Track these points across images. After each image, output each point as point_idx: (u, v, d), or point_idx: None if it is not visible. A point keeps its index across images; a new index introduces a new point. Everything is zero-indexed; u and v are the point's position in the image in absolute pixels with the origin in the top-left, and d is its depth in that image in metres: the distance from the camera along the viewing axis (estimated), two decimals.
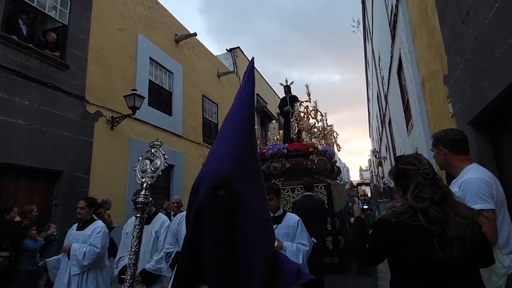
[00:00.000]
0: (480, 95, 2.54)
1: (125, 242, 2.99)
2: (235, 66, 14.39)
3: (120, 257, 2.99)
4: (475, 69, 2.58)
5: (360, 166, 69.02)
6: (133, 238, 1.19)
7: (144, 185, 1.26)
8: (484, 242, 1.25)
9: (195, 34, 10.39)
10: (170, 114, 9.23)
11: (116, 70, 7.42)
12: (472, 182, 1.60)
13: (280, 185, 4.95)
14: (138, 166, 1.34)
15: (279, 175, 5.14)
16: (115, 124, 7.04)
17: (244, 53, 15.32)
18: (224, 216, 0.86)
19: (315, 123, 5.72)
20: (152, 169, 1.29)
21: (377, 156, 20.11)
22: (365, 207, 2.01)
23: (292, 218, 2.60)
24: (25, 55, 5.41)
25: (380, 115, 15.70)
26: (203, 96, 11.29)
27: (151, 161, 1.31)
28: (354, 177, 77.52)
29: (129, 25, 8.10)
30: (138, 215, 1.22)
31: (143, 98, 7.08)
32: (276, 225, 2.44)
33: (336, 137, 7.47)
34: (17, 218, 4.38)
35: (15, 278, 4.15)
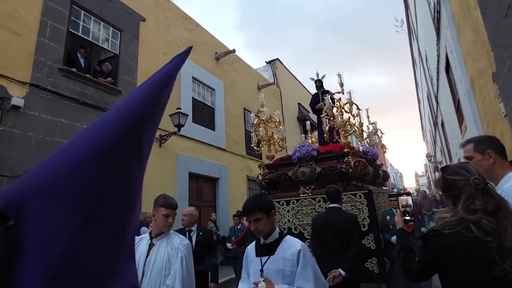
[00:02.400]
0: None
1: None
2: (275, 78, 14.55)
3: None
4: None
5: (416, 172, 64.73)
6: None
7: None
8: None
9: (234, 51, 10.76)
10: (213, 129, 9.59)
11: None
12: None
13: (310, 194, 4.23)
14: None
15: (308, 182, 4.31)
16: (163, 141, 7.50)
17: (284, 64, 15.45)
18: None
19: (349, 118, 4.66)
20: None
21: (432, 161, 18.75)
22: (407, 218, 1.93)
23: (291, 246, 1.77)
24: (83, 84, 6.06)
25: (432, 116, 14.74)
26: (245, 109, 11.57)
27: None
28: (409, 183, 72.92)
29: (173, 48, 8.66)
30: None
31: (187, 115, 7.48)
32: (267, 257, 1.78)
33: (381, 136, 6.59)
34: None
35: None
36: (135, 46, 7.42)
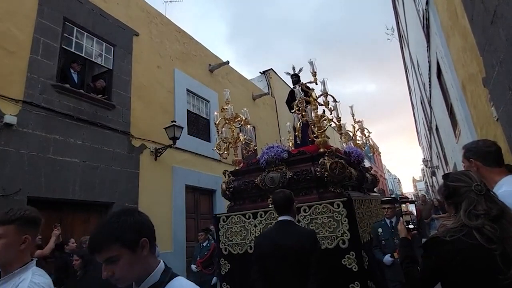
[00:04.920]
0: None
1: None
2: (269, 88, 14.65)
3: None
4: (511, 70, 2.40)
5: (413, 177, 64.84)
6: None
7: None
8: None
9: (227, 62, 10.84)
10: (209, 141, 9.57)
11: (157, 104, 7.95)
12: (508, 196, 1.47)
13: None
14: None
15: (278, 189, 3.39)
16: (158, 155, 7.47)
17: (278, 73, 15.57)
18: None
19: (324, 111, 3.88)
20: None
21: (428, 165, 18.82)
22: (411, 226, 1.87)
23: None
24: (77, 100, 6.05)
25: (426, 121, 14.85)
26: None
27: None
28: (408, 189, 72.95)
29: (166, 62, 8.71)
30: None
31: (182, 128, 7.46)
32: None
33: (368, 135, 5.87)
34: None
35: None
36: (128, 60, 7.45)
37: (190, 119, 9.10)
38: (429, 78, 8.76)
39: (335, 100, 4.06)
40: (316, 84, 4.17)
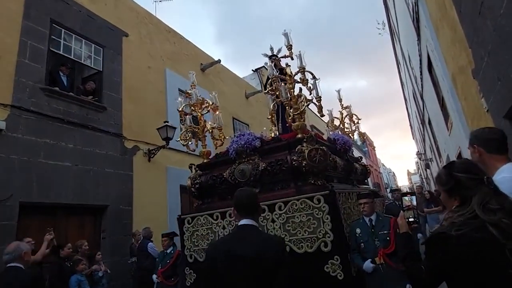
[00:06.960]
0: (510, 87, 2.36)
1: None
2: (262, 85, 14.61)
3: None
4: (500, 61, 2.41)
5: (408, 170, 65.33)
6: None
7: None
8: None
9: (219, 61, 10.79)
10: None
11: (148, 105, 7.88)
12: (505, 182, 1.46)
13: None
14: None
15: (250, 184, 3.01)
16: (152, 156, 7.41)
17: None
18: None
19: (301, 90, 3.36)
20: None
21: (422, 158, 18.97)
22: (411, 219, 1.81)
23: None
24: (67, 103, 5.97)
25: (419, 115, 14.95)
26: (233, 118, 11.55)
27: None
28: (402, 182, 73.52)
29: (157, 62, 8.63)
30: None
31: (175, 128, 7.40)
32: None
33: (357, 122, 5.26)
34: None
35: None
36: (118, 61, 7.37)
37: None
38: (421, 71, 8.81)
39: (314, 77, 3.48)
40: (292, 59, 3.62)
